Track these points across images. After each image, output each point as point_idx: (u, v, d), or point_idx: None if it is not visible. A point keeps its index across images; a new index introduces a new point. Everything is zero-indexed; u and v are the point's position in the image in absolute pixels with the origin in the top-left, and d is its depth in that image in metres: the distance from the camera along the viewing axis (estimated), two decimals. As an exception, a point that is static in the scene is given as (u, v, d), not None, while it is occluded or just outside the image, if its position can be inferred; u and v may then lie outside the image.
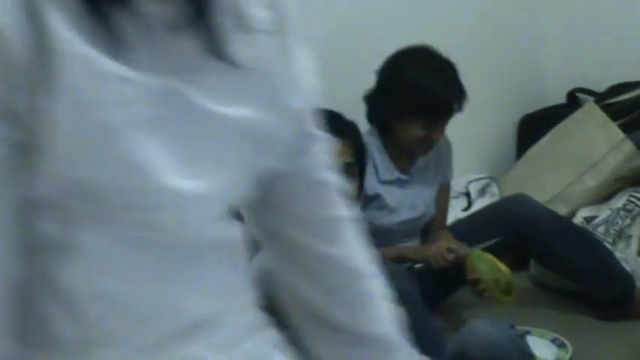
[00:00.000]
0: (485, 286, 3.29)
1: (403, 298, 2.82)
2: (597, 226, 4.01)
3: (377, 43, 3.56)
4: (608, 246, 3.87)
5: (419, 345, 2.85)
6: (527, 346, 2.69)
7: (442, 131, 3.42)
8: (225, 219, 1.28)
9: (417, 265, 3.38)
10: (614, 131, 4.25)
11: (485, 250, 3.39)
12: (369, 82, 3.45)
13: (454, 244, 3.43)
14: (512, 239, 3.58)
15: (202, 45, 1.17)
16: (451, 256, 3.37)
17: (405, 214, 3.50)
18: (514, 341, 2.63)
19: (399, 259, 3.34)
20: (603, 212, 4.08)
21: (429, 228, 3.65)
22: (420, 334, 2.89)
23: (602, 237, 3.92)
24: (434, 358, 2.78)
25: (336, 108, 3.76)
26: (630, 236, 3.88)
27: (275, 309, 1.44)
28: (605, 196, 4.20)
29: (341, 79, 3.82)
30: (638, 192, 4.03)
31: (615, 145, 4.21)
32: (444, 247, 3.40)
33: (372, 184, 3.39)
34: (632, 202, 4.02)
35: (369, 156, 3.36)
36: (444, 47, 3.43)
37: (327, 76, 3.84)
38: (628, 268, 3.75)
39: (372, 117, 3.48)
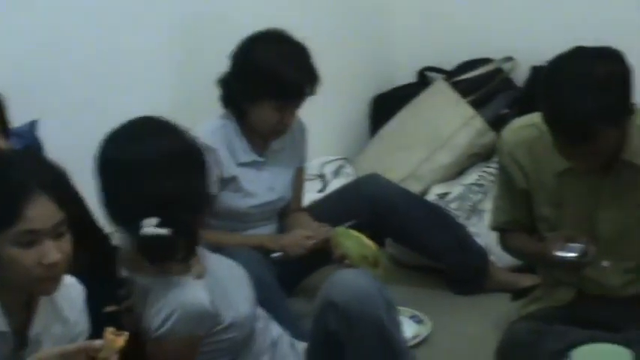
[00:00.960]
0: (352, 261, 3.29)
1: (258, 282, 2.83)
2: (451, 202, 4.06)
3: (235, 29, 3.51)
4: (462, 221, 3.92)
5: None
6: (390, 297, 2.70)
7: (294, 115, 3.40)
8: None
9: (275, 255, 3.36)
10: (464, 108, 4.30)
11: None
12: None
13: (311, 230, 3.42)
14: (367, 219, 3.58)
15: None
16: (309, 243, 3.37)
17: (262, 197, 3.47)
18: (379, 289, 2.64)
19: (257, 248, 3.33)
20: (456, 188, 4.12)
21: (286, 211, 3.63)
22: (278, 318, 2.90)
23: (455, 213, 3.97)
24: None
25: (195, 94, 3.75)
26: (483, 211, 3.93)
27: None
28: (457, 172, 4.25)
29: (199, 65, 3.79)
30: (489, 167, 4.08)
31: (466, 121, 4.26)
32: (300, 235, 3.39)
33: (228, 167, 3.36)
34: (483, 177, 4.08)
35: (225, 139, 3.35)
36: (296, 29, 3.40)
37: (184, 62, 3.81)
38: (482, 242, 3.80)
39: (226, 101, 3.44)
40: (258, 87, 3.32)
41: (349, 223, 3.38)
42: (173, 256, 2.41)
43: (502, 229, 3.08)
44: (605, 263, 2.86)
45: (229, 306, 2.54)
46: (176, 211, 2.40)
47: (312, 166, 4.21)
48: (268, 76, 3.29)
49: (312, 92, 3.36)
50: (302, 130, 3.60)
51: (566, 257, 2.74)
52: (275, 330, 2.78)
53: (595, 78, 2.56)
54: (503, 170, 2.98)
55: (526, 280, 3.56)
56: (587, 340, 2.56)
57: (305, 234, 3.40)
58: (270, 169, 3.50)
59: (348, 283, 2.61)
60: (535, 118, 2.80)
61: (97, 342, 1.94)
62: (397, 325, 2.70)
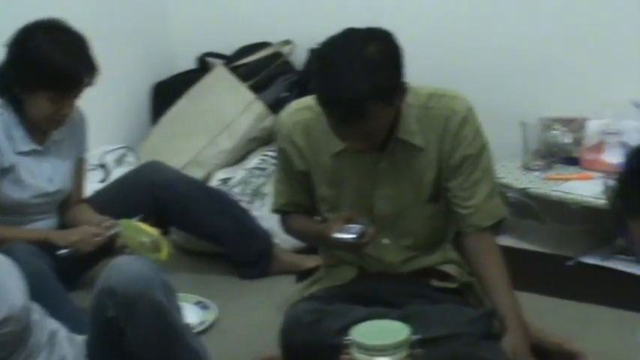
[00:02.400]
0: (132, 249, 3.23)
1: (33, 275, 2.72)
2: (233, 186, 4.04)
3: (11, 18, 3.38)
4: (245, 205, 3.91)
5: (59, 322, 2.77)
6: (169, 280, 2.66)
7: (71, 106, 3.30)
8: None
9: (63, 252, 3.27)
10: (244, 93, 4.29)
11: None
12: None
13: (97, 226, 3.35)
14: (149, 206, 3.55)
15: None
16: (99, 241, 3.30)
17: (41, 188, 3.36)
18: (156, 272, 2.59)
19: (41, 243, 3.23)
20: (238, 173, 4.11)
21: (66, 203, 3.53)
22: (56, 312, 2.80)
23: (238, 197, 3.95)
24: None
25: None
26: (266, 194, 3.94)
27: None
28: (239, 156, 4.24)
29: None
30: (270, 151, 4.09)
31: (246, 106, 4.25)
32: (90, 232, 3.31)
33: (7, 156, 3.25)
34: (265, 160, 4.09)
35: (3, 127, 3.24)
36: (73, 18, 3.31)
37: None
38: (266, 226, 3.80)
39: (1, 90, 3.31)
40: (33, 77, 3.21)
41: (136, 219, 3.32)
42: None
43: (283, 211, 3.07)
44: (384, 241, 2.91)
45: (2, 300, 2.44)
46: None
47: (94, 155, 4.11)
48: (43, 67, 3.18)
49: (90, 83, 3.27)
50: (81, 120, 3.50)
51: (345, 238, 2.76)
52: (52, 324, 2.69)
53: (366, 58, 2.57)
54: (281, 153, 2.97)
55: (310, 261, 3.59)
56: (369, 317, 2.57)
57: (93, 231, 3.32)
58: (50, 160, 3.40)
59: (123, 268, 2.55)
60: (310, 100, 2.79)
61: None
62: (178, 309, 2.66)
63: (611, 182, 1.75)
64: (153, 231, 3.25)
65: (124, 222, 3.33)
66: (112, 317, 2.53)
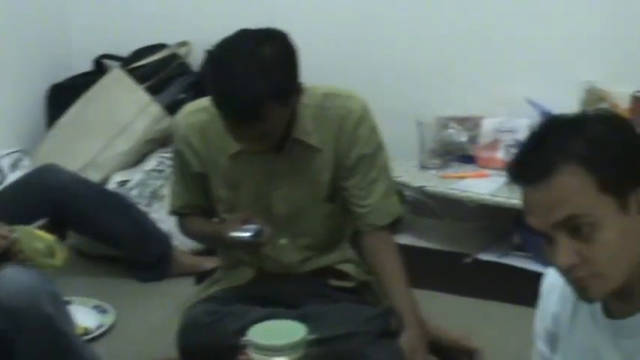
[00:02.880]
0: (26, 255, 3.16)
1: None
2: (131, 189, 4.00)
3: None
4: (144, 208, 3.87)
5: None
6: (57, 289, 2.61)
7: None
8: None
9: None
10: (140, 95, 4.25)
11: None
12: None
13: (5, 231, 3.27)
14: (46, 209, 3.47)
15: None
16: (3, 243, 3.22)
17: None
18: (43, 283, 2.54)
19: None
20: (136, 175, 4.07)
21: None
22: None
23: (137, 200, 3.91)
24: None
25: None
26: (163, 196, 3.90)
27: None
28: (137, 159, 4.19)
29: None
30: (167, 153, 4.04)
31: (143, 108, 4.21)
32: None
33: None
34: (162, 162, 4.05)
35: None
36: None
37: None
38: (165, 228, 3.77)
39: None
40: None
41: (37, 224, 3.24)
42: None
43: (180, 213, 3.04)
44: (282, 241, 2.90)
45: None
46: None
47: (-12, 158, 4.05)
48: None
49: None
50: None
51: (242, 237, 2.75)
52: None
53: (261, 58, 2.56)
54: (178, 155, 2.94)
55: (209, 263, 3.57)
56: (267, 317, 2.57)
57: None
58: None
59: (9, 280, 2.51)
60: (206, 101, 2.77)
61: None
62: (67, 318, 2.63)
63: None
64: (47, 237, 3.18)
65: (19, 228, 3.26)
66: (1, 330, 2.49)
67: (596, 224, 1.69)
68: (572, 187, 1.68)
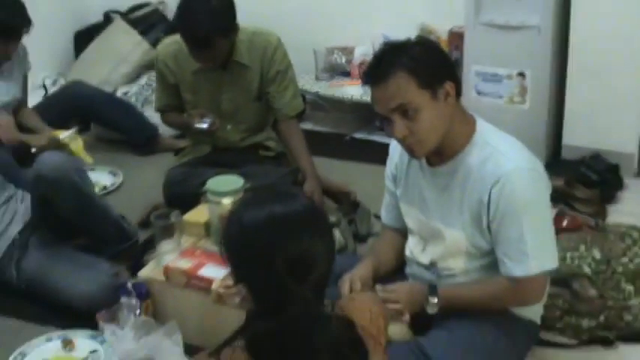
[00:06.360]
0: (71, 150, 2.93)
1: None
2: (131, 96, 3.81)
3: None
4: (140, 108, 3.71)
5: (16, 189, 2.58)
6: (80, 164, 2.55)
7: (16, 46, 2.95)
8: None
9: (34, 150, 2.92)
10: (135, 36, 4.00)
11: None
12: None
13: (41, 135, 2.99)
14: (76, 109, 3.46)
15: None
16: (53, 143, 2.85)
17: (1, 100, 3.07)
18: (71, 162, 2.49)
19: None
20: (134, 87, 3.87)
21: (18, 107, 3.19)
22: (16, 183, 2.61)
23: (135, 103, 3.76)
24: None
25: None
26: (152, 101, 3.61)
27: None
28: (134, 77, 3.96)
29: None
30: (153, 73, 3.78)
31: (136, 44, 3.99)
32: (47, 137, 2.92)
33: None
34: (150, 79, 3.86)
35: None
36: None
37: None
38: (154, 121, 3.61)
39: None
40: None
41: (73, 130, 2.98)
42: None
43: (162, 110, 2.96)
44: (228, 127, 2.84)
45: None
46: None
47: (37, 79, 3.85)
48: None
49: (27, 31, 2.99)
50: (24, 52, 3.18)
51: (201, 127, 2.73)
52: (10, 190, 2.55)
53: (212, 5, 2.50)
54: (159, 72, 2.85)
55: (182, 143, 3.43)
56: (218, 174, 2.50)
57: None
58: (5, 80, 3.09)
59: (48, 160, 2.42)
60: (177, 37, 2.69)
61: None
62: (89, 183, 2.57)
63: None
64: (68, 135, 2.97)
65: (55, 132, 3.03)
66: (44, 193, 2.41)
67: (417, 109, 1.72)
68: (401, 86, 1.71)
